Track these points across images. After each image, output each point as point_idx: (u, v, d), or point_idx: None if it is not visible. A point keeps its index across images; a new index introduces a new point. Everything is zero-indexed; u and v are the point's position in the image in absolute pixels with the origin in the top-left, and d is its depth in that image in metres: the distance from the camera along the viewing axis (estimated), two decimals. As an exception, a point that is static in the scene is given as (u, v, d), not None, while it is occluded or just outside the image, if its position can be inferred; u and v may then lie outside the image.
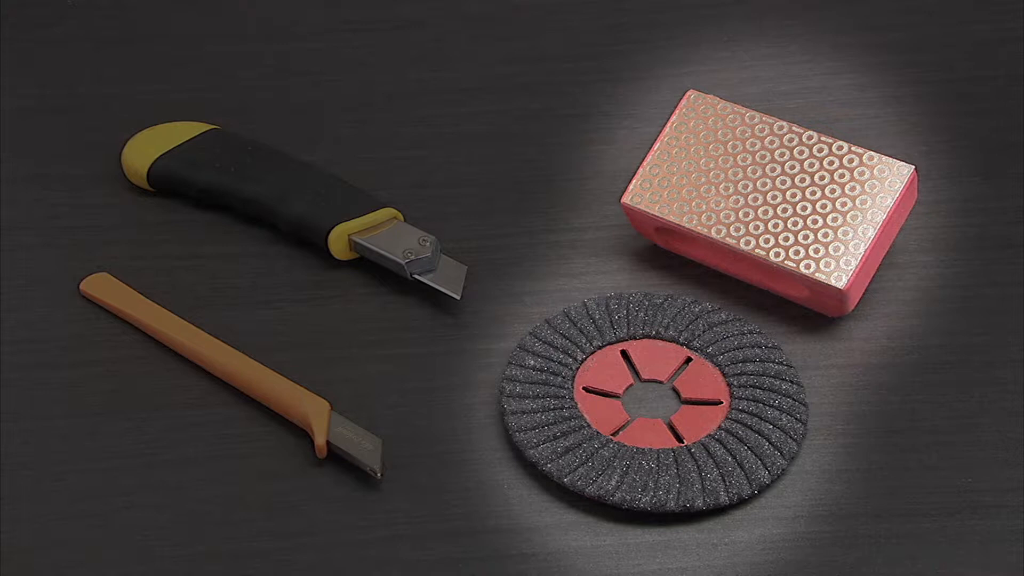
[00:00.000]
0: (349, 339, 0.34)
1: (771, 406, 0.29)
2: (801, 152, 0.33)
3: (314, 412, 0.29)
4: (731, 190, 0.33)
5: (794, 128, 0.33)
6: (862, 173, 0.32)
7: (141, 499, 0.29)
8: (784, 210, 0.32)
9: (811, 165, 0.32)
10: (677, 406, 0.31)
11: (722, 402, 0.30)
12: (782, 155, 0.33)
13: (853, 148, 0.32)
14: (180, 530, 0.28)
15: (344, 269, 0.36)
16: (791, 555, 0.27)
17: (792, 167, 0.33)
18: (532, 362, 0.31)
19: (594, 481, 0.27)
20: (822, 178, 0.32)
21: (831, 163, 0.32)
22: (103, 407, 0.32)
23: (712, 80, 0.41)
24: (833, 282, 0.30)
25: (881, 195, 0.31)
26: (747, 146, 0.34)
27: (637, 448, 0.28)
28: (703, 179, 0.34)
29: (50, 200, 0.39)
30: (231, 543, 0.28)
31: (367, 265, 0.36)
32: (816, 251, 0.31)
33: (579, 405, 0.30)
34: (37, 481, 0.30)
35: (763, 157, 0.33)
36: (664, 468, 0.28)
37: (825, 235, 0.31)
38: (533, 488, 0.29)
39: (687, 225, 0.33)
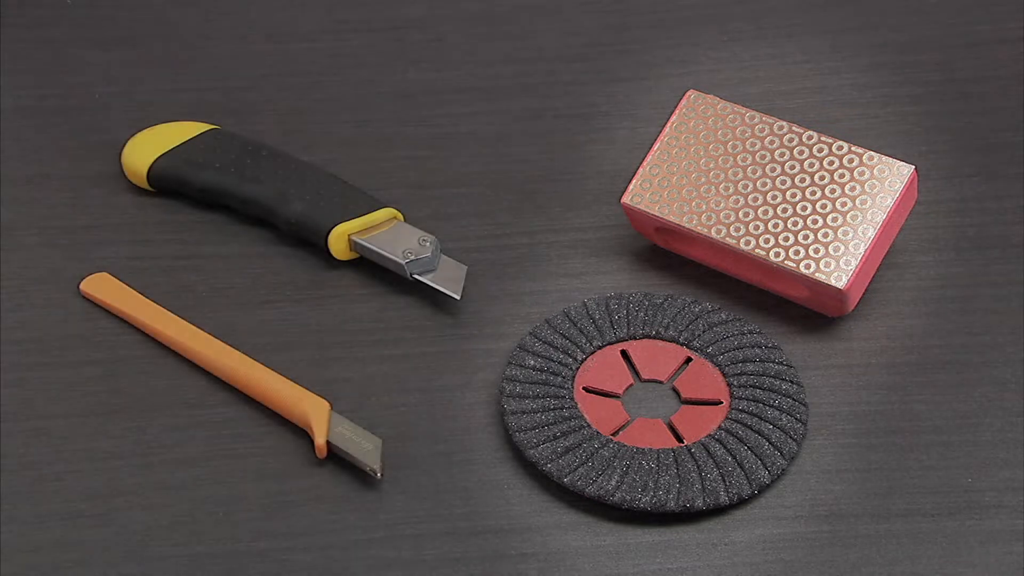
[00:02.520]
0: (349, 339, 0.34)
1: (771, 406, 0.29)
2: (801, 152, 0.33)
3: (314, 412, 0.29)
4: (731, 190, 0.33)
5: (794, 128, 0.33)
6: (862, 173, 0.32)
7: (141, 499, 0.29)
8: (784, 210, 0.32)
9: (811, 165, 0.32)
10: (677, 406, 0.31)
11: (722, 402, 0.30)
12: (782, 155, 0.33)
13: (853, 148, 0.32)
14: (180, 530, 0.28)
15: (344, 269, 0.36)
16: (791, 555, 0.27)
17: (792, 167, 0.33)
18: (532, 362, 0.31)
19: (594, 481, 0.27)
20: (822, 178, 0.32)
21: (831, 163, 0.32)
22: (103, 407, 0.32)
23: (712, 80, 0.42)
24: (833, 282, 0.30)
25: (881, 195, 0.31)
26: (747, 146, 0.34)
27: (637, 448, 0.28)
28: (703, 179, 0.34)
29: (50, 200, 0.39)
30: (231, 543, 0.28)
31: (367, 265, 0.36)
32: (816, 251, 0.31)
33: (579, 405, 0.30)
34: (37, 481, 0.30)
35: (763, 157, 0.33)
36: (664, 468, 0.28)
37: (825, 235, 0.31)
38: (533, 488, 0.29)
39: (687, 225, 0.33)
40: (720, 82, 0.41)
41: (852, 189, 0.32)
